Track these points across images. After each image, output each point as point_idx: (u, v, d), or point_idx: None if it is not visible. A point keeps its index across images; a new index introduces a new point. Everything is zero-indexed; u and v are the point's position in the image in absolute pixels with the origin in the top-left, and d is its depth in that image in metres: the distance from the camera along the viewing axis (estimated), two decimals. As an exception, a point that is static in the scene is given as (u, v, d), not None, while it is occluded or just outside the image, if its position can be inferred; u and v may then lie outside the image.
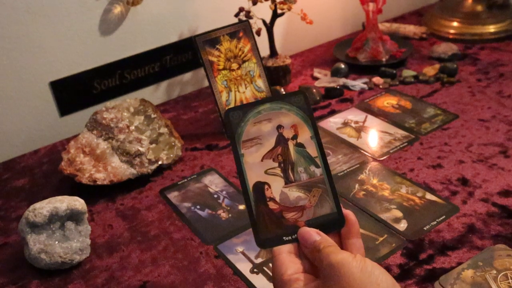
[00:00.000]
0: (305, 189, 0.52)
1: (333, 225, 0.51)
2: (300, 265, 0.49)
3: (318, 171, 0.52)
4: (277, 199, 0.52)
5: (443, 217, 0.73)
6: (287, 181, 0.52)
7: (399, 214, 0.75)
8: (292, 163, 0.53)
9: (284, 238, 0.51)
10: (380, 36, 1.19)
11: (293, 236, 0.50)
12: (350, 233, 0.50)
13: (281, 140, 0.53)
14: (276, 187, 0.52)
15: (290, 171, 0.53)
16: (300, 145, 0.53)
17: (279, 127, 0.53)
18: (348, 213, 0.51)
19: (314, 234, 0.49)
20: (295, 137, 0.53)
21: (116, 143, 0.87)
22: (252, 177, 0.52)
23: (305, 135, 0.53)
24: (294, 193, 0.52)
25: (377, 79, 1.12)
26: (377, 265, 0.45)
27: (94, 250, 0.74)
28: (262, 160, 0.53)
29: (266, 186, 0.52)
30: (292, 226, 0.51)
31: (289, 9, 1.06)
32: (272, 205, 0.52)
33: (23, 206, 0.85)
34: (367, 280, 0.43)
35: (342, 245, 0.50)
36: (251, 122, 0.53)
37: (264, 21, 1.09)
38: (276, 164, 0.53)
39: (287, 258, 0.49)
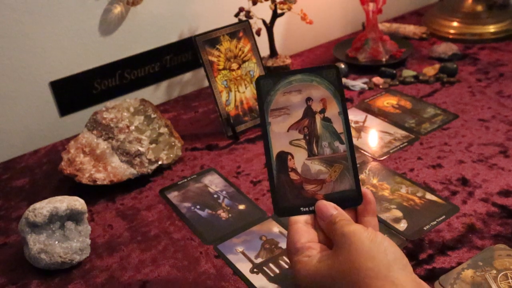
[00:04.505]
0: (327, 164, 0.53)
1: (350, 201, 0.52)
2: (315, 236, 0.51)
3: (342, 147, 0.53)
4: (299, 170, 0.53)
5: (443, 217, 0.73)
6: (310, 154, 0.53)
7: (399, 214, 0.75)
8: (317, 137, 0.53)
9: (301, 209, 0.52)
10: (380, 36, 1.19)
11: (310, 208, 0.52)
12: (366, 211, 0.52)
13: (308, 113, 0.54)
14: (299, 159, 0.53)
15: (314, 144, 0.53)
16: (327, 120, 0.54)
17: (308, 99, 0.54)
18: (366, 192, 0.52)
19: (331, 208, 0.50)
20: (323, 111, 0.54)
21: (116, 143, 0.87)
22: (277, 146, 0.53)
23: (333, 110, 0.54)
24: (316, 166, 0.53)
25: (377, 79, 1.12)
26: (388, 238, 0.47)
27: (94, 250, 0.74)
28: (288, 131, 0.53)
29: (289, 157, 0.53)
30: (310, 198, 0.52)
31: (289, 9, 1.06)
32: (293, 176, 0.53)
33: (23, 206, 0.85)
34: (376, 248, 0.45)
35: (358, 222, 0.51)
36: (281, 92, 0.54)
37: (264, 21, 1.09)
38: (301, 136, 0.53)
39: (303, 228, 0.51)
